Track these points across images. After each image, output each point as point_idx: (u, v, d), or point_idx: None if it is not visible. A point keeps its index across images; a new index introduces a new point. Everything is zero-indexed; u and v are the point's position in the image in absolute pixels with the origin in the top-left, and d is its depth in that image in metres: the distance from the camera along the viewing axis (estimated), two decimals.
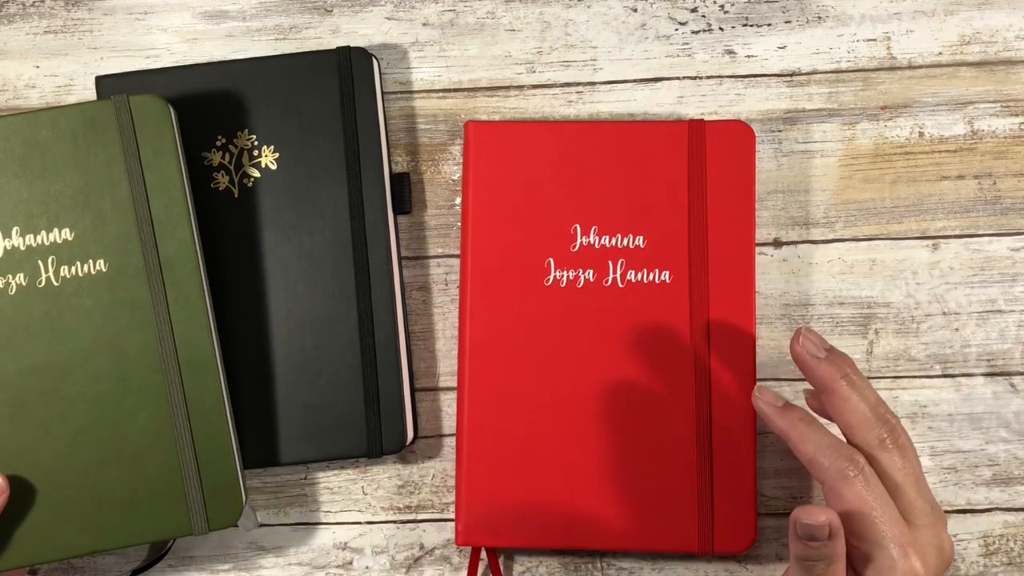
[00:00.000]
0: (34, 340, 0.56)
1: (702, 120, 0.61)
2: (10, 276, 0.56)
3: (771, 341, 0.63)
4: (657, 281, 0.60)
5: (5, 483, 0.55)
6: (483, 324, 0.60)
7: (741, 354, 0.59)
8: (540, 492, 0.59)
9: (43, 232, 0.56)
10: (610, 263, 0.60)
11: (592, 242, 0.61)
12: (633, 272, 0.60)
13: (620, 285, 0.60)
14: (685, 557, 0.61)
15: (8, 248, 0.56)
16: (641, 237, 0.60)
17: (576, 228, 0.61)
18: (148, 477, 0.56)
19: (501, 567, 0.61)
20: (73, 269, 0.56)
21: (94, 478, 0.56)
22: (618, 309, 0.60)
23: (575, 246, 0.61)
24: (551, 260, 0.61)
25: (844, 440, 0.52)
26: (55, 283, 0.56)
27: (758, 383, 0.58)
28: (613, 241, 0.61)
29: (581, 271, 0.60)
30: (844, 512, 0.49)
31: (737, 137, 0.61)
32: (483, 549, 0.60)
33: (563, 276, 0.60)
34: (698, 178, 0.60)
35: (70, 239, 0.56)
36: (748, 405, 0.59)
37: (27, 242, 0.56)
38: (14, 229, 0.56)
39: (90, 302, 0.56)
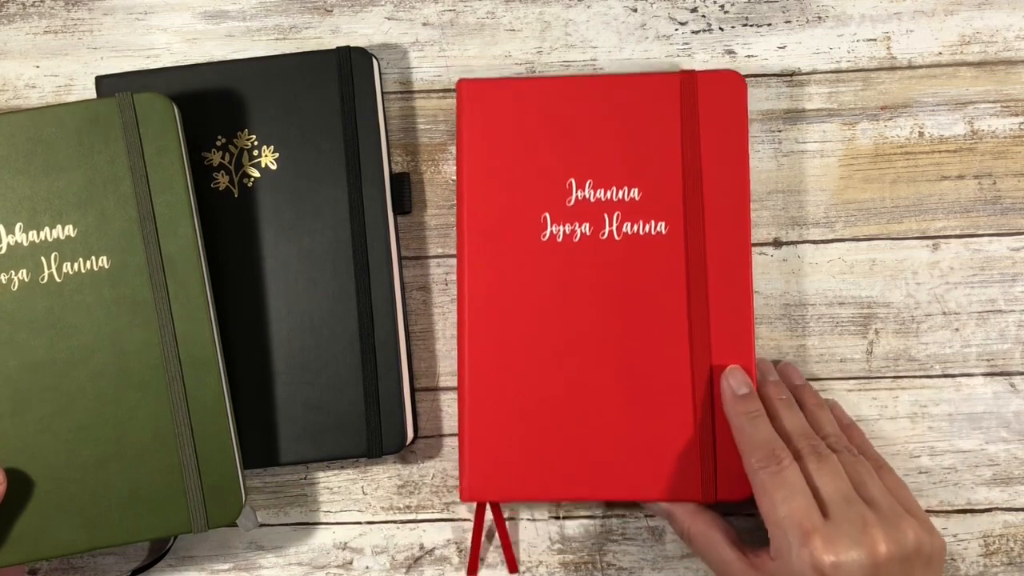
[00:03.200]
0: (36, 336, 0.56)
1: (693, 71, 0.61)
2: (13, 272, 0.56)
3: (771, 341, 0.63)
4: (653, 232, 0.60)
5: (2, 475, 0.55)
6: (481, 281, 0.60)
7: (738, 301, 0.59)
8: (543, 445, 0.59)
9: (46, 228, 0.56)
10: (606, 216, 0.61)
11: (587, 196, 0.61)
12: (629, 224, 0.60)
13: (616, 238, 0.60)
14: (685, 556, 0.61)
15: (11, 244, 0.56)
16: (636, 189, 0.61)
17: (571, 182, 0.61)
18: (148, 474, 0.56)
19: (507, 525, 0.61)
20: (76, 266, 0.56)
21: (94, 474, 0.56)
22: (615, 261, 0.60)
23: (570, 200, 0.61)
24: (547, 215, 0.61)
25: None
26: (58, 279, 0.56)
27: (731, 366, 0.59)
28: (608, 194, 0.61)
29: (577, 225, 0.61)
30: (755, 495, 0.54)
31: (729, 87, 0.61)
32: (487, 505, 0.60)
33: (559, 231, 0.61)
34: (691, 128, 0.60)
35: (73, 236, 0.56)
36: (748, 352, 0.59)
37: (30, 238, 0.56)
38: (17, 225, 0.56)
39: (92, 299, 0.56)
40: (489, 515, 0.62)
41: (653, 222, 0.60)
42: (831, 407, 0.61)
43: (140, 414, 0.56)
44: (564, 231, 0.60)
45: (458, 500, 0.62)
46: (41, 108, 0.57)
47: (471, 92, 0.61)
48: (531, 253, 0.60)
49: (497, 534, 0.61)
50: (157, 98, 0.57)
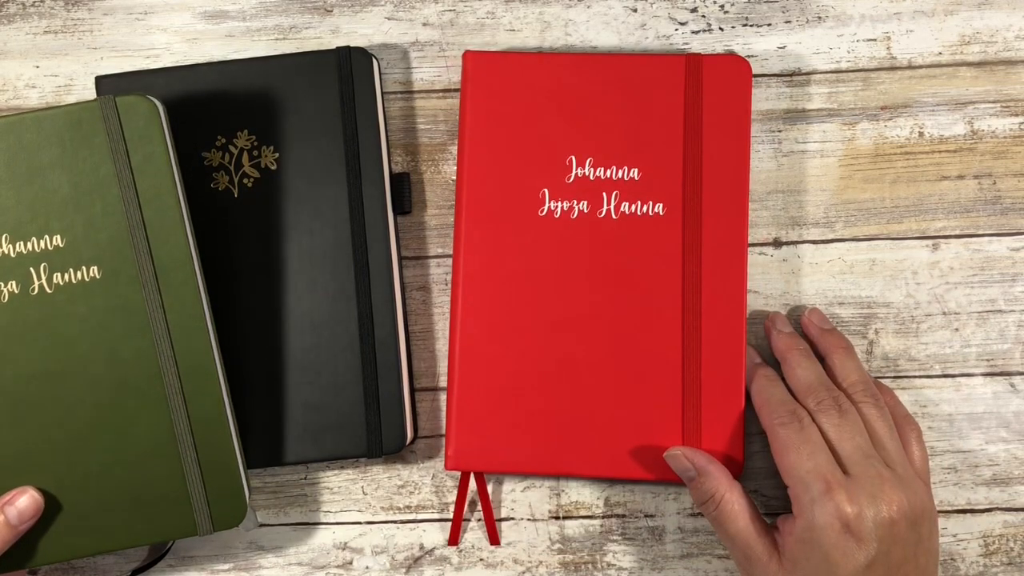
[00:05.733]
0: (30, 348, 0.55)
1: (699, 54, 0.61)
2: (2, 284, 0.55)
3: None
4: (651, 213, 0.60)
5: (39, 494, 0.55)
6: (477, 253, 0.60)
7: (732, 285, 0.60)
8: (531, 419, 0.59)
9: (33, 239, 0.55)
10: (604, 195, 0.61)
11: (587, 173, 0.61)
12: (627, 204, 0.60)
13: (614, 217, 0.60)
14: (685, 556, 0.61)
15: None
16: (636, 169, 0.61)
17: (571, 159, 0.61)
18: (151, 480, 0.56)
19: (490, 494, 0.62)
20: (66, 276, 0.55)
21: (97, 481, 0.56)
22: (611, 241, 0.60)
23: (570, 177, 0.61)
24: (546, 191, 0.61)
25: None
26: (48, 290, 0.55)
27: (750, 348, 0.61)
28: (608, 173, 0.61)
29: (575, 202, 0.61)
30: (775, 452, 0.56)
31: (734, 71, 0.61)
32: (471, 475, 0.61)
33: (557, 207, 0.61)
34: (694, 111, 0.61)
35: (61, 246, 0.55)
36: (739, 336, 0.59)
37: (17, 249, 0.55)
38: (3, 236, 0.55)
39: (85, 309, 0.55)
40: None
41: (651, 203, 0.60)
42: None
43: (140, 423, 0.56)
44: (562, 207, 0.61)
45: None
46: (20, 114, 0.56)
47: (477, 64, 0.61)
48: (528, 228, 0.61)
49: (492, 518, 0.61)
50: (141, 100, 0.56)
